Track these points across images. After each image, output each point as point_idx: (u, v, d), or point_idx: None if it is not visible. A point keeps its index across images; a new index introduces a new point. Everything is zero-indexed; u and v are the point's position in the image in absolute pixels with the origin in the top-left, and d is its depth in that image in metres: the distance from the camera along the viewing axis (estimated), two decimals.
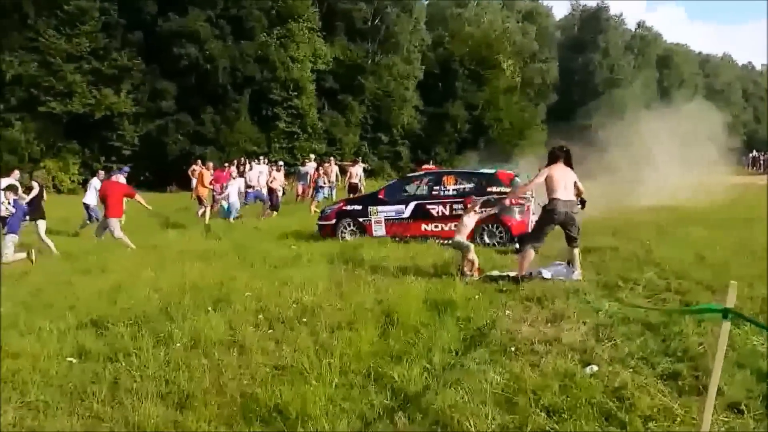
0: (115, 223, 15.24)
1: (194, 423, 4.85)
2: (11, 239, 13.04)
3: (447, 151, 56.17)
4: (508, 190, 13.81)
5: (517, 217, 13.80)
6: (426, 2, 64.30)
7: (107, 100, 44.34)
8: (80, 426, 4.88)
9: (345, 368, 5.91)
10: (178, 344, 6.71)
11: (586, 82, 73.21)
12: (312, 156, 32.69)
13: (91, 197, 19.41)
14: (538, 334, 6.83)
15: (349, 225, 15.08)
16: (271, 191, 22.84)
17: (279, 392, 5.31)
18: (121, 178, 17.67)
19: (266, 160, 31.13)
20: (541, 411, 4.99)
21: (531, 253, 9.65)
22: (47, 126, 43.70)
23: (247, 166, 27.89)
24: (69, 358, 6.39)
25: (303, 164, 30.07)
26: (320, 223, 15.56)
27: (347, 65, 54.04)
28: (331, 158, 30.54)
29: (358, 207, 15.23)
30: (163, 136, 45.91)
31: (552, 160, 9.86)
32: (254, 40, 48.46)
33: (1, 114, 43.32)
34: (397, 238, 14.16)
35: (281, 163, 28.56)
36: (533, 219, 13.49)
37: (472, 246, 10.43)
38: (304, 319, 7.58)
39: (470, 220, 10.78)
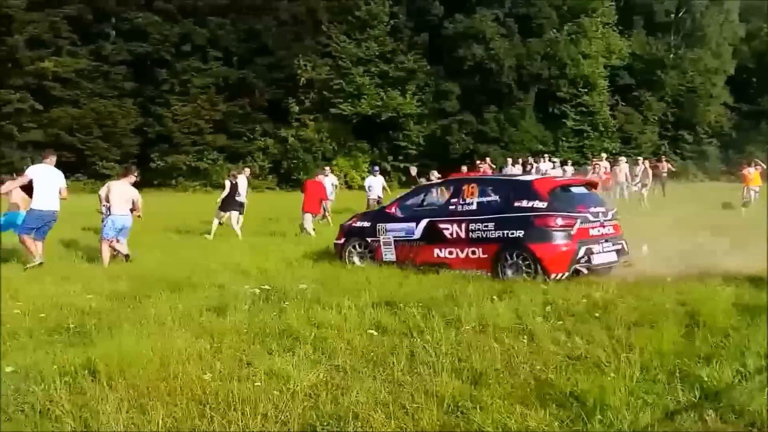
0: (308, 217, 18.08)
1: (489, 398, 5.11)
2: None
3: (764, 151, 51.70)
4: (544, 204, 10.67)
5: (559, 243, 10.42)
6: None
7: (394, 101, 47.45)
8: (383, 389, 5.44)
9: (646, 364, 5.86)
10: (467, 327, 7.23)
11: None
12: (603, 155, 31.99)
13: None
14: None
15: (357, 246, 12.65)
16: None
17: (575, 380, 5.42)
18: (322, 179, 19.77)
19: (550, 160, 31.02)
20: None
21: None
22: (338, 126, 48.20)
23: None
24: (369, 330, 7.19)
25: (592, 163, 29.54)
26: (335, 241, 13.36)
27: (645, 60, 52.30)
28: (621, 158, 29.63)
29: (367, 224, 12.75)
30: (447, 136, 47.93)
31: None
32: (542, 38, 48.76)
33: (297, 115, 48.41)
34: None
35: (556, 160, 28.28)
36: (604, 248, 10.73)
37: None
38: (596, 314, 7.72)
39: None
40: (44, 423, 4.83)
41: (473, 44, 47.73)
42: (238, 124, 49.34)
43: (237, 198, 18.46)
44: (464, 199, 11.46)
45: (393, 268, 11.46)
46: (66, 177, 14.11)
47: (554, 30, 49.13)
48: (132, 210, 13.50)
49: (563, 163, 29.97)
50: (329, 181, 22.99)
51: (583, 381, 5.37)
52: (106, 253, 13.04)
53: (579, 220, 10.56)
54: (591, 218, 10.76)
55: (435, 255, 11.42)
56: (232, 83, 49.62)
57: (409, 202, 12.69)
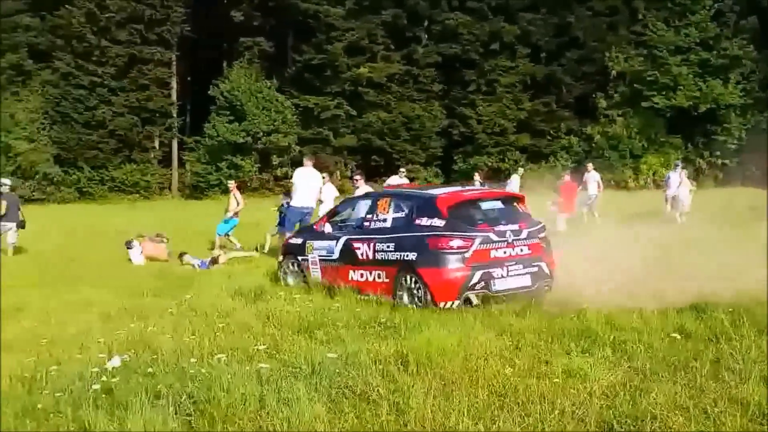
0: (561, 217, 18.77)
1: None
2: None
3: None
4: (441, 223, 9.80)
5: (449, 268, 9.56)
6: None
7: (713, 91, 44.81)
8: (684, 393, 5.57)
9: None
10: None
11: None
12: None
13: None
14: None
15: (291, 265, 12.30)
16: None
17: None
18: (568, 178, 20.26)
19: None
20: None
21: None
22: (649, 121, 46.39)
23: None
24: (673, 334, 7.32)
25: None
26: (277, 260, 13.15)
27: None
28: None
29: (299, 241, 12.34)
30: None
31: None
32: None
33: (605, 111, 47.49)
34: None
35: None
36: (511, 271, 9.71)
37: None
38: None
39: None
40: (361, 404, 5.59)
41: None
42: (542, 123, 49.39)
43: None
44: (377, 216, 10.87)
45: None
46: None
47: None
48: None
49: None
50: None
51: None
52: None
53: (477, 241, 9.63)
54: (495, 238, 9.75)
55: (350, 277, 10.85)
56: (538, 80, 49.90)
57: (337, 217, 12.14)
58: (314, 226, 12.40)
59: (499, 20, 49.26)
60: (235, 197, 19.03)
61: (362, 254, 10.74)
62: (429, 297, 9.61)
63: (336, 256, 11.28)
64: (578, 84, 49.49)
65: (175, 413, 5.47)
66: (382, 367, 6.47)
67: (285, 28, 52.19)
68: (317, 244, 11.72)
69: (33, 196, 46.79)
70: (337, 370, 6.35)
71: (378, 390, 5.81)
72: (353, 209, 11.89)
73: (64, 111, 48.69)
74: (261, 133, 47.70)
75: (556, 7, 49.26)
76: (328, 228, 11.72)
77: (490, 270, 9.67)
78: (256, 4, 50.45)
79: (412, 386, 5.83)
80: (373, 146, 48.88)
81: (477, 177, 22.36)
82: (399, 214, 10.61)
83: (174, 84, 52.30)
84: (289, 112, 49.21)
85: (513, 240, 9.92)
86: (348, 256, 11.02)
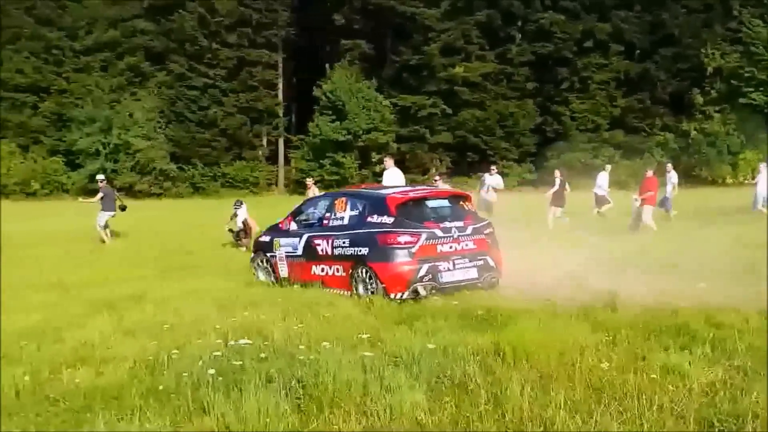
0: (647, 209, 18.42)
1: None
2: None
3: None
4: (390, 220, 10.29)
5: (398, 262, 10.06)
6: None
7: None
8: None
9: None
10: None
11: None
12: None
13: None
14: None
15: (262, 262, 12.70)
16: None
17: None
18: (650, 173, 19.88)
19: None
20: None
21: None
22: (747, 117, 44.80)
23: None
24: None
25: None
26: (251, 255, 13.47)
27: None
28: None
29: (267, 238, 12.72)
30: None
31: None
32: None
33: (701, 107, 46.00)
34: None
35: None
36: (457, 265, 10.26)
37: None
38: None
39: None
40: (460, 394, 5.63)
41: None
42: (636, 119, 48.48)
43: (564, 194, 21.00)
44: (335, 214, 11.36)
45: None
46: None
47: None
48: None
49: None
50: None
51: None
52: None
53: (423, 237, 10.17)
54: (440, 234, 10.30)
55: (312, 272, 11.42)
56: (632, 77, 48.87)
57: (300, 216, 12.38)
58: (280, 225, 12.74)
59: (592, 18, 48.49)
60: (313, 194, 19.84)
61: (322, 250, 11.29)
62: (381, 289, 10.11)
63: (300, 252, 11.83)
64: (673, 81, 48.10)
65: (286, 396, 5.65)
66: (480, 359, 6.49)
67: (383, 31, 52.60)
68: (283, 241, 12.23)
69: (150, 190, 48.87)
70: (437, 360, 6.41)
71: (476, 380, 5.84)
72: (315, 208, 12.28)
73: (179, 111, 50.61)
74: (361, 131, 48.40)
75: (650, 4, 47.99)
76: (293, 226, 12.23)
77: (437, 263, 10.21)
78: (356, 8, 51.02)
79: (510, 378, 5.82)
80: (468, 143, 48.83)
81: (558, 174, 21.94)
82: (354, 213, 11.11)
83: (280, 85, 53.47)
84: (387, 111, 49.74)
85: (458, 236, 10.49)
86: (310, 252, 11.57)
